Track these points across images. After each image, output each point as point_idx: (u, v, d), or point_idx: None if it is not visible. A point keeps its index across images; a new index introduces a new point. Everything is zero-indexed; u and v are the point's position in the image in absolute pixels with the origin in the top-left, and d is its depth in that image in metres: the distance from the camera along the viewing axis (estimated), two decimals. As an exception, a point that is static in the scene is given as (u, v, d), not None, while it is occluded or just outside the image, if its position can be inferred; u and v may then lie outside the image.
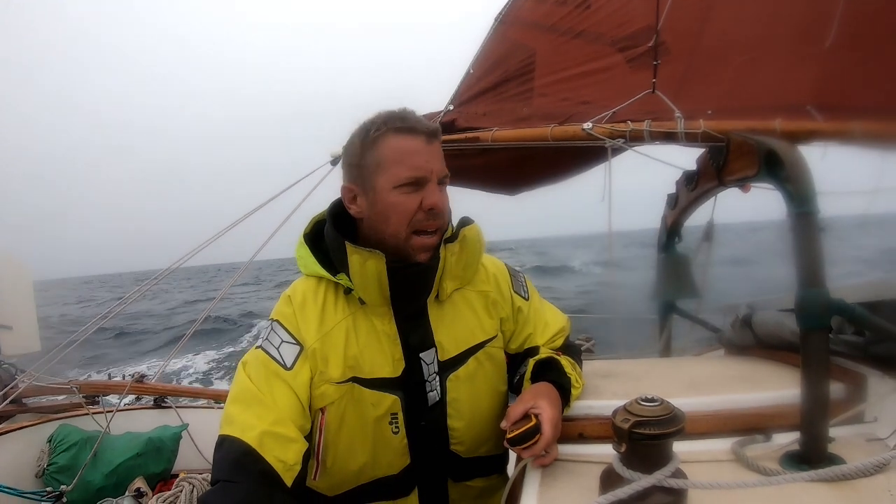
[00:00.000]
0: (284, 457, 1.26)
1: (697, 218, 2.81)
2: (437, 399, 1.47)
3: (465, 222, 1.51)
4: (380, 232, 1.38)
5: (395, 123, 1.36)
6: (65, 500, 2.81)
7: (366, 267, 1.35)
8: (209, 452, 1.29)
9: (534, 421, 1.29)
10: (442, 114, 2.73)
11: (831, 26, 1.94)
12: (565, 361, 1.57)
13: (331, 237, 1.43)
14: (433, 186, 1.35)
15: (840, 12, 1.94)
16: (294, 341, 1.38)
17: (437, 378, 1.47)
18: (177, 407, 3.60)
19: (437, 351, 1.46)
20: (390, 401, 1.42)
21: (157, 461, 3.14)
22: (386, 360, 1.42)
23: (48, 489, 2.87)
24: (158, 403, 3.64)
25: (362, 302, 1.42)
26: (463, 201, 1.60)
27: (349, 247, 1.36)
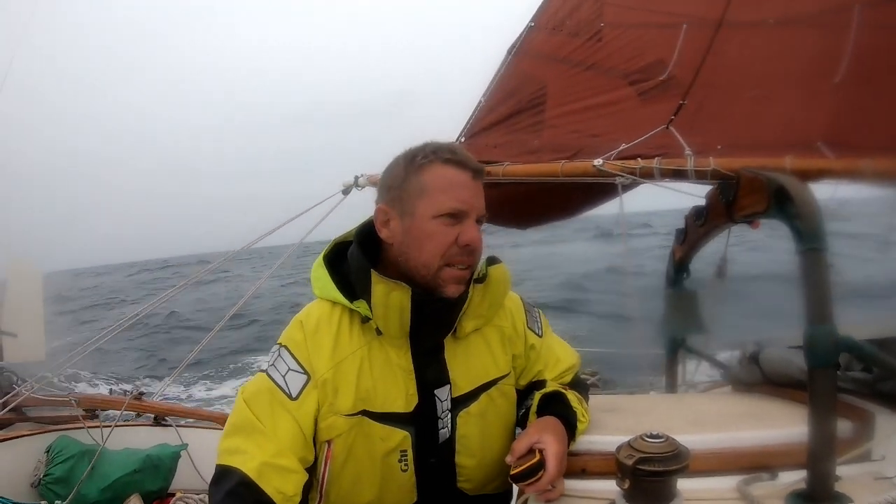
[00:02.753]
0: (284, 488, 1.23)
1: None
2: (448, 436, 1.44)
3: (492, 261, 1.47)
4: (411, 259, 1.34)
5: (445, 154, 1.34)
6: None
7: (390, 298, 1.31)
8: (207, 473, 1.27)
9: (538, 456, 1.27)
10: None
11: (842, 63, 1.95)
12: (572, 395, 1.54)
13: (356, 262, 1.39)
14: (472, 223, 1.32)
15: (851, 48, 1.95)
16: (301, 370, 1.34)
17: (449, 415, 1.43)
18: (177, 426, 3.58)
19: (451, 387, 1.43)
20: (401, 436, 1.38)
21: (154, 479, 3.11)
22: (399, 394, 1.38)
23: (43, 503, 2.85)
24: (159, 421, 3.63)
25: (379, 332, 1.38)
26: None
27: (375, 275, 1.32)
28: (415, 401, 1.39)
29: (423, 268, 1.32)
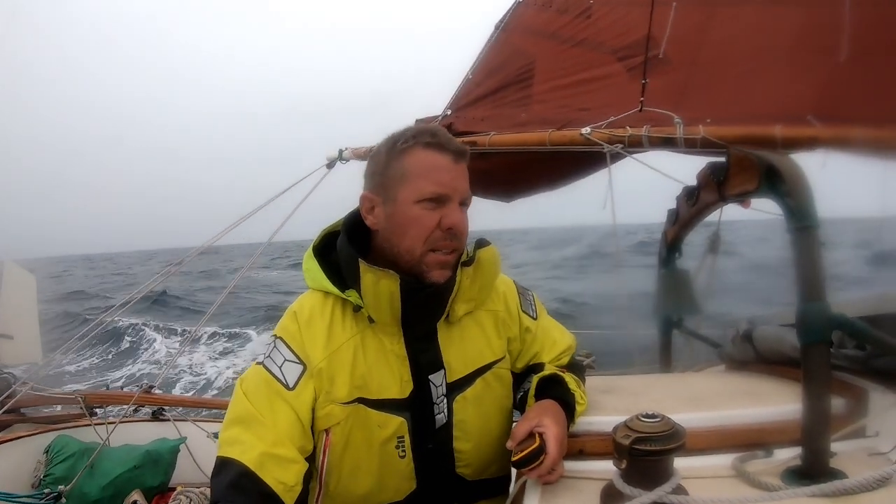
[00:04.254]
0: (285, 478, 1.24)
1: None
2: (444, 421, 1.45)
3: (481, 244, 1.48)
4: (395, 245, 1.36)
5: (425, 138, 1.34)
6: (63, 500, 2.79)
7: (379, 286, 1.32)
8: (207, 466, 1.28)
9: (538, 441, 1.27)
10: (440, 117, 2.73)
11: (833, 36, 1.95)
12: (569, 378, 1.55)
13: (344, 252, 1.40)
14: (455, 206, 1.33)
15: (841, 23, 1.95)
16: (297, 360, 1.35)
17: (445, 400, 1.44)
18: (175, 420, 3.58)
19: (445, 372, 1.44)
20: (397, 423, 1.39)
21: (154, 474, 3.11)
22: (394, 380, 1.40)
23: (46, 491, 2.84)
24: (157, 416, 3.62)
25: (371, 320, 1.39)
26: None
27: (363, 265, 1.32)
28: (409, 387, 1.40)
29: (407, 253, 1.34)
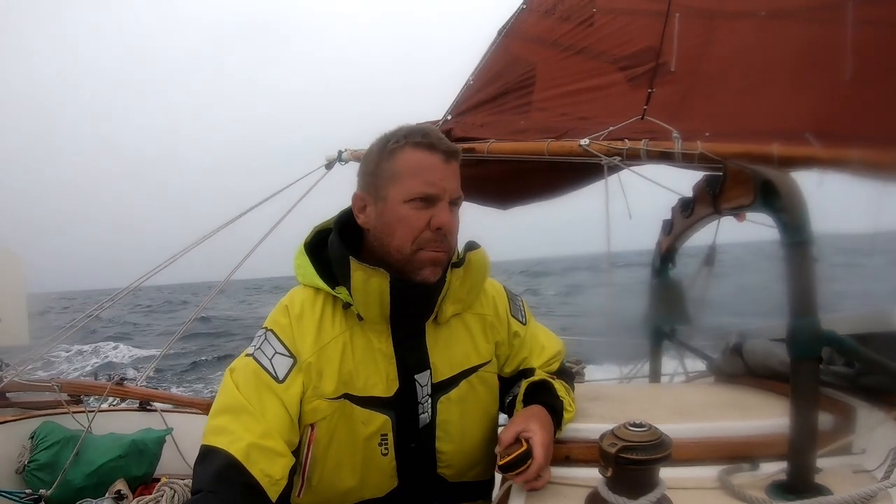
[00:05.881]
0: (271, 471, 1.23)
1: (696, 239, 2.80)
2: (428, 421, 1.45)
3: (471, 246, 1.49)
4: (385, 244, 1.36)
5: (416, 138, 1.34)
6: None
7: (369, 284, 1.32)
8: (193, 458, 1.27)
9: (525, 446, 1.28)
10: (440, 123, 2.73)
11: (834, 55, 1.95)
12: (558, 385, 1.55)
13: (335, 250, 1.40)
14: (444, 206, 1.33)
15: (842, 43, 1.96)
16: (288, 353, 1.35)
17: (430, 400, 1.45)
18: (162, 411, 3.57)
19: (431, 373, 1.44)
20: (381, 420, 1.40)
21: (139, 464, 3.10)
22: (380, 378, 1.40)
23: (27, 491, 2.83)
24: (143, 406, 3.61)
25: (360, 318, 1.39)
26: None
27: (353, 262, 1.33)
28: (395, 385, 1.41)
29: (397, 252, 1.34)
